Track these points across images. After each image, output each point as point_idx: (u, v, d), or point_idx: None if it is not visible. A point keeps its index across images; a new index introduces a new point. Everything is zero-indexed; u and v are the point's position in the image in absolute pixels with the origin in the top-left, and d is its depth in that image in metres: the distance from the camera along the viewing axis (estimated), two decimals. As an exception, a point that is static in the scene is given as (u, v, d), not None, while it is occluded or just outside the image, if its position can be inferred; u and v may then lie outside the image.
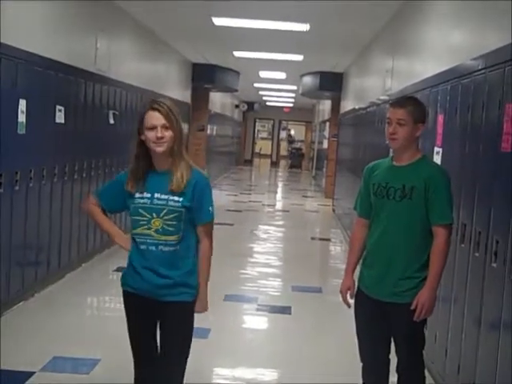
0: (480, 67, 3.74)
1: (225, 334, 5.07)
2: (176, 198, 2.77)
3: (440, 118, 4.51)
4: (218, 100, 18.45)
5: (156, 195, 2.77)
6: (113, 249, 7.95)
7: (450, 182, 3.09)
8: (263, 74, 15.18)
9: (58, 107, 6.01)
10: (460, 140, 4.03)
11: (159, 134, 2.71)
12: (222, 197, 14.72)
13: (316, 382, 4.23)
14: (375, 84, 8.67)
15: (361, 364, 3.29)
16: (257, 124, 33.14)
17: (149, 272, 2.79)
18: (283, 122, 33.45)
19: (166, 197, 2.77)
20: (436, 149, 4.54)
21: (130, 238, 2.86)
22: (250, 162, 30.23)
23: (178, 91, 12.72)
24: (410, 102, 3.14)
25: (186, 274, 2.83)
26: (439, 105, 4.58)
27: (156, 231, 2.77)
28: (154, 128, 2.72)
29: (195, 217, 2.82)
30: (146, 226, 2.78)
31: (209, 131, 16.31)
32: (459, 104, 4.09)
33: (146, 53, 9.92)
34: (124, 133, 8.31)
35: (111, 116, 7.66)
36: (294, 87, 17.72)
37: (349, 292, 3.26)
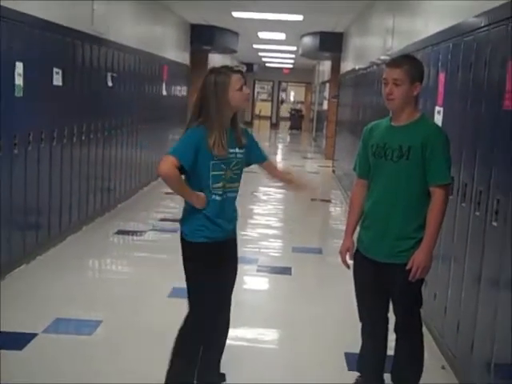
0: (483, 24, 3.68)
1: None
2: (241, 150, 3.12)
3: (441, 77, 4.46)
4: (217, 61, 18.25)
5: (230, 150, 3.05)
6: (113, 212, 7.99)
7: (448, 141, 3.05)
8: (262, 34, 15.00)
9: (56, 69, 5.95)
10: (461, 99, 3.99)
11: (247, 91, 3.09)
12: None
13: (316, 341, 4.27)
14: (376, 44, 8.57)
15: (360, 323, 3.32)
16: (256, 86, 32.87)
17: (224, 220, 3.10)
18: (283, 83, 33.19)
19: (235, 150, 3.08)
20: (437, 108, 4.50)
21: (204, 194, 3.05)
22: (249, 124, 30.02)
23: (177, 53, 12.59)
24: (406, 61, 3.07)
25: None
26: (441, 63, 4.53)
27: (227, 181, 3.07)
28: (241, 88, 3.02)
29: (256, 157, 3.26)
30: (224, 179, 3.06)
31: (208, 93, 16.18)
32: (461, 62, 4.03)
33: (144, 14, 9.78)
34: (123, 95, 8.27)
35: (109, 78, 7.59)
36: (294, 48, 17.53)
37: (348, 253, 3.26)
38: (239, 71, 3.07)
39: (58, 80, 6.00)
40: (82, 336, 4.11)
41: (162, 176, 2.94)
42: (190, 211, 3.09)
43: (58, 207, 6.20)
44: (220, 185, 3.04)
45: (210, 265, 3.08)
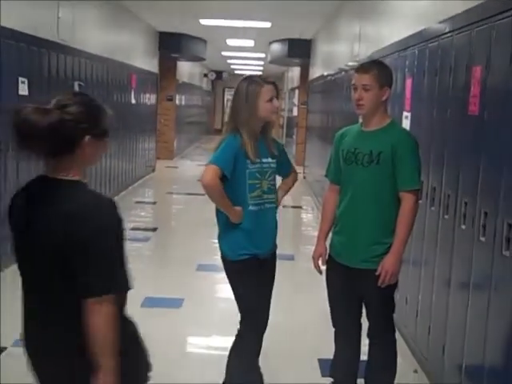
0: (447, 30, 3.73)
1: (198, 303, 5.08)
2: (273, 160, 3.14)
3: (408, 83, 4.51)
4: (185, 69, 18.24)
5: (263, 159, 3.08)
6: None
7: (418, 147, 3.08)
8: (231, 41, 15.01)
9: (21, 79, 5.87)
10: (428, 104, 4.04)
11: (277, 104, 3.08)
12: (192, 167, 14.65)
13: (289, 347, 4.26)
14: (343, 50, 8.63)
15: (333, 329, 3.32)
16: (226, 93, 32.88)
17: (262, 233, 3.10)
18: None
19: (268, 160, 3.11)
20: (405, 113, 4.55)
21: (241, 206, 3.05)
22: (220, 132, 29.61)
23: (145, 61, 12.53)
24: (375, 67, 3.10)
25: None
26: (407, 69, 4.58)
27: (264, 192, 3.09)
28: (271, 99, 3.04)
29: (284, 171, 3.30)
30: (259, 189, 3.07)
31: (177, 101, 16.14)
32: (427, 68, 4.08)
33: (111, 22, 9.72)
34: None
35: (77, 87, 7.51)
36: (263, 55, 17.57)
37: (320, 258, 3.27)
38: (273, 83, 3.09)
39: (23, 89, 5.91)
40: (52, 349, 4.04)
41: (205, 185, 2.93)
42: (227, 226, 3.09)
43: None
44: (255, 194, 3.05)
45: (250, 281, 3.11)
